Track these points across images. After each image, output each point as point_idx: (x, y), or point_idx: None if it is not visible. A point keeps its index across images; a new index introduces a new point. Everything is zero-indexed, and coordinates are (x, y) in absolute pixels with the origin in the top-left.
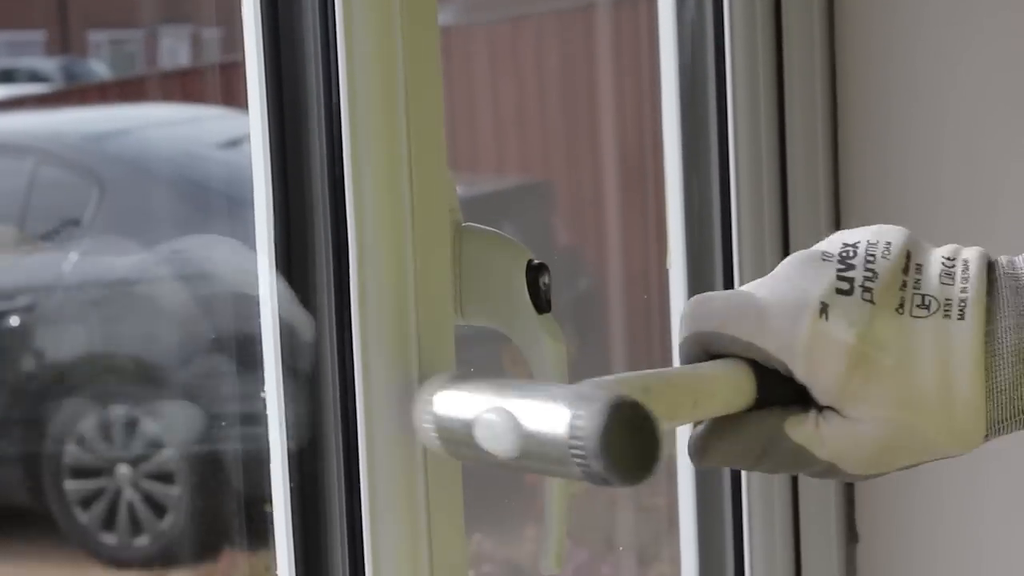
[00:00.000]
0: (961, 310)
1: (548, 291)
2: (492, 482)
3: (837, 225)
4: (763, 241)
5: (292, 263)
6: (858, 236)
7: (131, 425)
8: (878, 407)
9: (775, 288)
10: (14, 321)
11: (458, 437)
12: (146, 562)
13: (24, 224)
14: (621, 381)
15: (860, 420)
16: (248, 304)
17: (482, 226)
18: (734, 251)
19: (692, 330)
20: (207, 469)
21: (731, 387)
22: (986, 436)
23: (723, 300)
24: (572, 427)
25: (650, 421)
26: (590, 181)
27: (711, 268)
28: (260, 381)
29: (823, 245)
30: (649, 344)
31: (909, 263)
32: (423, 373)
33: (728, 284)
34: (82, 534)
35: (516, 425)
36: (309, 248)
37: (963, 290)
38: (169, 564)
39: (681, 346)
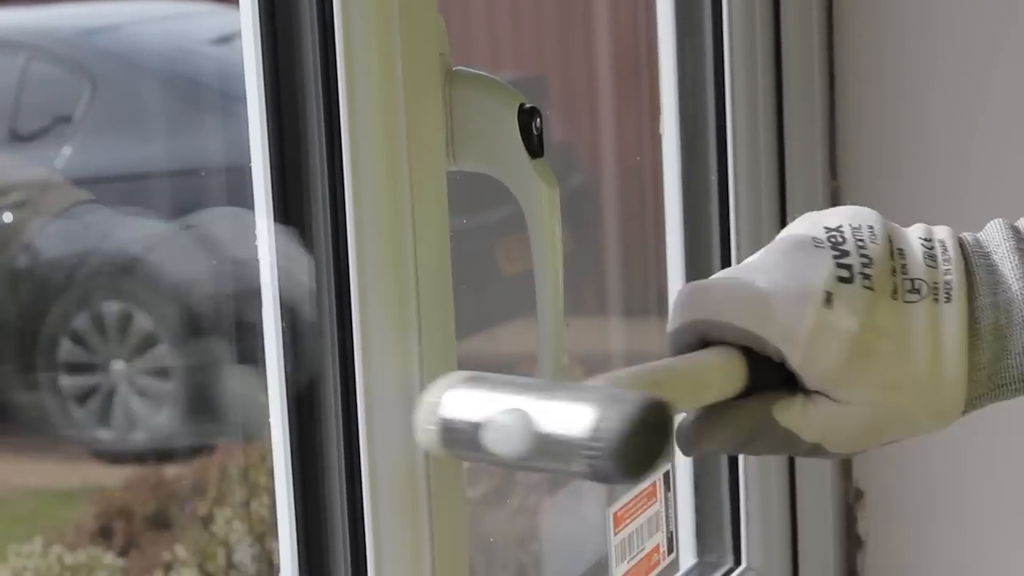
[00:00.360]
0: (948, 293)
1: (540, 135)
2: (473, 277)
3: (831, 88)
4: (756, 104)
5: (285, 153)
6: (837, 219)
7: (125, 321)
8: (870, 390)
9: (772, 275)
10: (7, 217)
11: (463, 439)
12: (142, 457)
13: (16, 121)
14: (634, 377)
15: (850, 403)
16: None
17: (473, 70)
18: (727, 116)
19: (689, 318)
20: (202, 364)
21: (726, 376)
22: (963, 412)
23: (722, 289)
24: (596, 429)
25: (670, 424)
26: (584, 75)
27: (705, 134)
28: (255, 271)
29: (805, 228)
30: (644, 237)
31: (892, 247)
32: (415, 218)
33: (722, 151)
34: (78, 430)
35: (530, 426)
36: (302, 130)
37: (947, 272)
38: (165, 458)
39: (675, 333)
